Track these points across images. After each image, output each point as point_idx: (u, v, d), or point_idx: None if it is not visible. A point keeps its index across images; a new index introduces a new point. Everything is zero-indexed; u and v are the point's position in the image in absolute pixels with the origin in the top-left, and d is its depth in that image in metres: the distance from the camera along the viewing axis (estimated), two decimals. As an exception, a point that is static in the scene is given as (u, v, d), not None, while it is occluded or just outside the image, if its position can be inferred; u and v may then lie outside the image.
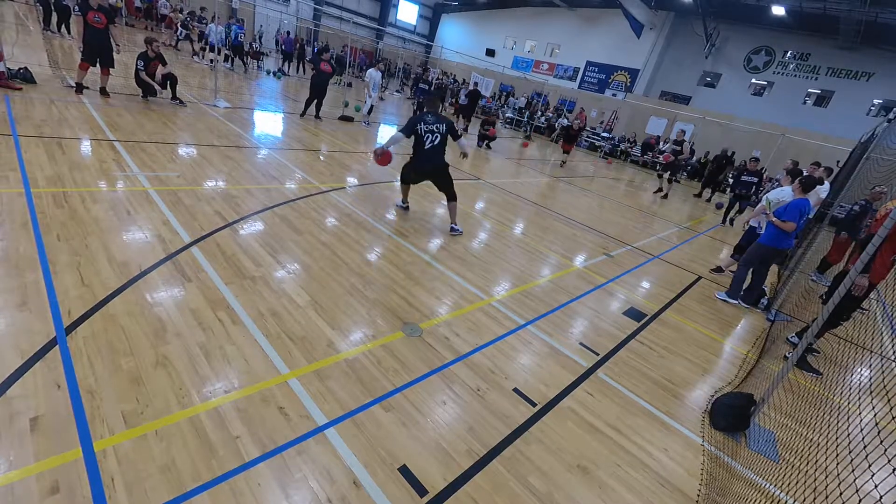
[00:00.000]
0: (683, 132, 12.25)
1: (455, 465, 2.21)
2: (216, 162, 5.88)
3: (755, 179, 9.43)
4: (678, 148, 11.94)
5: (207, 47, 14.66)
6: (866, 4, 15.08)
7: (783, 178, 6.12)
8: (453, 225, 5.41)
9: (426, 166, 5.16)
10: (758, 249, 5.04)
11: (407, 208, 5.81)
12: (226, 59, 15.76)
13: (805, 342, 2.79)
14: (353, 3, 30.45)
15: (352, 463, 2.08)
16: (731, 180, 16.68)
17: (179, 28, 16.60)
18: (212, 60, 13.18)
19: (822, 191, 6.84)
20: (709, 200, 13.51)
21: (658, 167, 12.78)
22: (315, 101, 10.19)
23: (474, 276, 4.43)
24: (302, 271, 3.70)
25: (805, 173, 5.45)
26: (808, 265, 6.86)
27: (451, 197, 5.36)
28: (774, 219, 4.77)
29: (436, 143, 5.02)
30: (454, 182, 5.36)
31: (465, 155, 5.53)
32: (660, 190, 12.15)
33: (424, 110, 5.21)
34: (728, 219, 10.25)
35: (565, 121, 20.35)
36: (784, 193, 5.07)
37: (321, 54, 10.13)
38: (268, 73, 17.39)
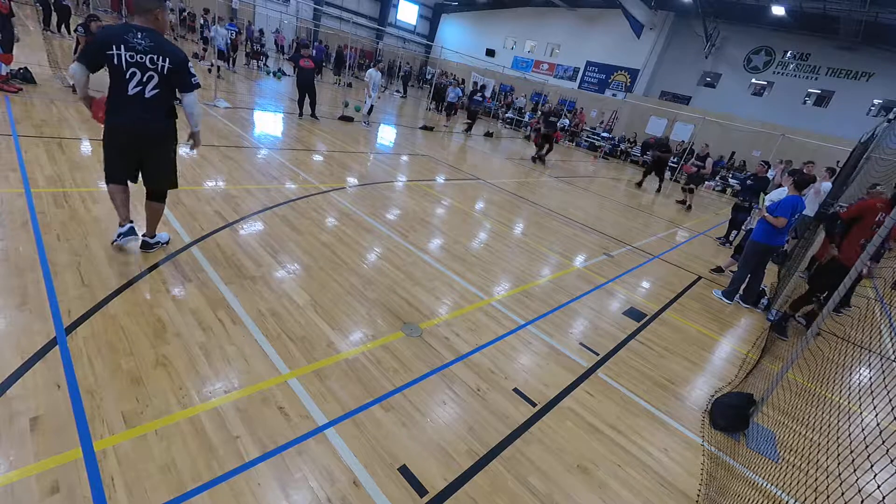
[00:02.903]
0: (707, 146, 11.54)
1: (455, 465, 2.21)
2: (216, 162, 5.88)
3: (751, 184, 7.85)
4: (701, 164, 11.45)
5: (211, 49, 14.34)
6: (866, 4, 15.07)
7: (784, 178, 6.10)
8: (146, 238, 3.30)
9: (122, 130, 2.87)
10: (751, 247, 5.05)
11: (127, 234, 3.20)
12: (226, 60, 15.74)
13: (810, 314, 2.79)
14: (353, 3, 30.45)
15: (352, 463, 2.08)
16: (731, 181, 16.77)
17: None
18: (212, 64, 13.20)
19: (824, 187, 6.85)
20: (658, 191, 12.92)
21: (682, 181, 12.12)
22: (306, 99, 10.14)
23: (474, 276, 4.43)
24: (302, 271, 3.70)
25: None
26: (807, 264, 6.85)
27: (155, 193, 3.20)
28: (766, 215, 4.78)
29: (148, 87, 2.78)
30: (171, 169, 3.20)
31: (192, 137, 3.16)
32: (683, 202, 11.45)
33: (126, 22, 2.80)
34: (730, 240, 8.49)
35: (566, 121, 20.37)
36: (783, 193, 5.07)
37: (299, 51, 10.00)
38: (268, 73, 17.40)
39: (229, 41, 13.81)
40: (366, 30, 30.09)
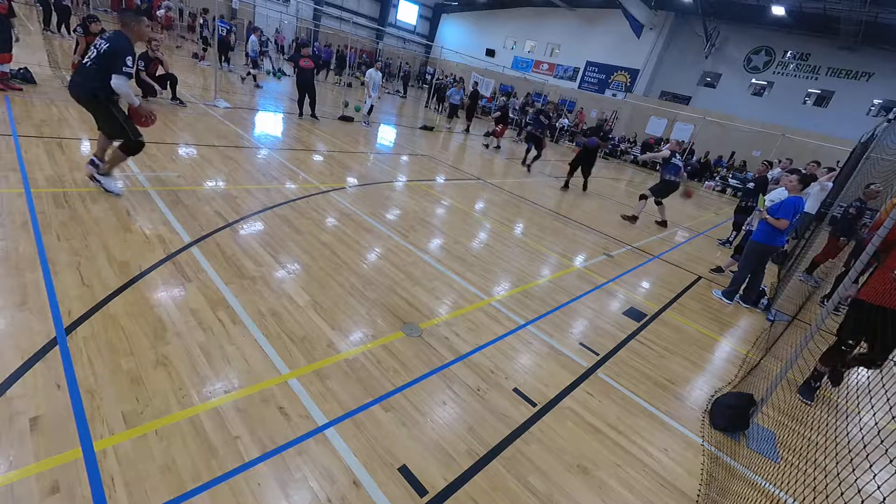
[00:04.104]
0: (680, 143, 8.90)
1: (455, 465, 2.21)
2: (216, 162, 5.88)
3: (752, 186, 7.56)
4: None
5: (246, 58, 14.08)
6: (866, 4, 15.07)
7: (783, 178, 6.08)
8: (98, 172, 4.12)
9: (70, 87, 3.96)
10: (752, 247, 5.04)
11: (93, 164, 4.19)
12: (226, 60, 15.75)
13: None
14: (353, 3, 30.45)
15: (352, 463, 2.08)
16: (731, 181, 16.76)
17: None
18: (248, 73, 13.29)
19: (828, 186, 6.87)
20: (584, 189, 10.15)
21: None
22: (306, 99, 10.15)
23: (474, 276, 4.43)
24: (302, 271, 3.70)
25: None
26: (807, 265, 6.85)
27: (116, 140, 4.13)
28: (767, 216, 4.77)
29: (90, 59, 3.81)
30: (118, 125, 4.01)
31: (130, 110, 4.09)
32: (634, 218, 8.19)
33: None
34: (730, 241, 8.29)
35: (566, 121, 20.38)
36: (783, 193, 5.06)
37: (299, 51, 9.98)
38: (268, 73, 17.38)
39: (258, 48, 13.75)
40: (366, 30, 30.08)
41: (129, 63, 3.80)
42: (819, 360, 3.67)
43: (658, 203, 8.33)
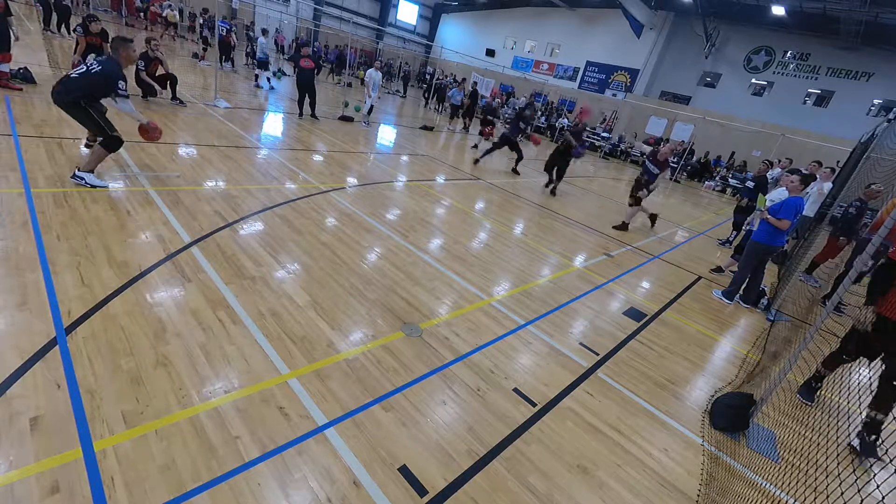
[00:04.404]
0: (667, 140, 8.34)
1: (455, 465, 2.21)
2: (216, 162, 5.88)
3: (751, 185, 7.44)
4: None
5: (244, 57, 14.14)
6: (866, 4, 15.07)
7: (784, 177, 6.06)
8: (77, 170, 4.25)
9: (52, 93, 4.25)
10: (752, 248, 5.04)
11: (87, 144, 5.07)
12: (227, 60, 15.75)
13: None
14: (353, 3, 30.47)
15: (352, 463, 2.08)
16: (731, 181, 16.76)
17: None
18: (267, 78, 13.30)
19: (826, 187, 6.85)
20: (553, 192, 9.18)
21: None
22: (306, 99, 10.16)
23: (474, 276, 4.43)
24: (302, 271, 3.70)
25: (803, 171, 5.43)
26: (807, 265, 6.85)
27: (98, 137, 4.43)
28: (769, 216, 4.76)
29: (78, 74, 4.15)
30: (102, 125, 4.33)
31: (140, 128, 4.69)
32: (625, 225, 7.70)
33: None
34: (730, 241, 8.29)
35: (566, 121, 20.37)
36: (783, 193, 5.06)
37: (299, 51, 9.97)
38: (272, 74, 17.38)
39: (267, 50, 13.70)
40: (366, 30, 30.09)
41: (123, 87, 4.25)
42: (821, 363, 3.68)
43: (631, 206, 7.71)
